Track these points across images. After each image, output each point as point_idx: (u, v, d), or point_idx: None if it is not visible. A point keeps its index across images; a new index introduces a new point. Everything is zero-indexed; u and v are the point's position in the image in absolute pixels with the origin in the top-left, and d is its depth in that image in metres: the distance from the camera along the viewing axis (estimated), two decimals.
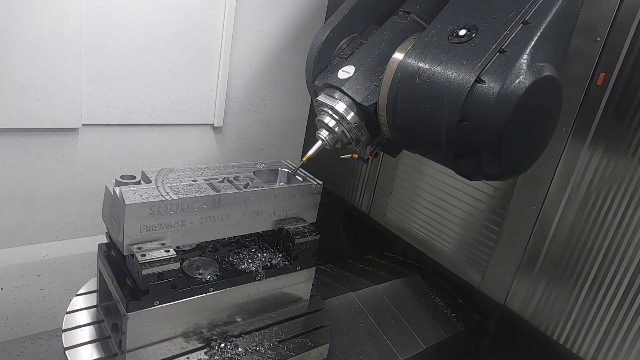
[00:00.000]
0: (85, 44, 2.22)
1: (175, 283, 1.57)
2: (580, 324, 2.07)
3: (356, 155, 1.96)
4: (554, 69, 1.48)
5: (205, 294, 1.68)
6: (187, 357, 1.69)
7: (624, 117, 1.85)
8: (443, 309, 2.65)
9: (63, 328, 1.70)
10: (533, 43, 1.42)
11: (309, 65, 1.92)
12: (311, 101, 3.12)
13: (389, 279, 2.71)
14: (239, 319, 1.84)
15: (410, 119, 1.59)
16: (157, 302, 1.56)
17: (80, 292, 1.91)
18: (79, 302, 1.87)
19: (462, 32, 1.54)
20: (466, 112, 1.42)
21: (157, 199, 1.52)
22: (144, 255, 1.49)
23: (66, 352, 1.62)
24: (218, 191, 1.67)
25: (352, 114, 1.76)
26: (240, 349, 1.77)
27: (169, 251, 1.53)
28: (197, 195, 1.61)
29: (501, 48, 1.44)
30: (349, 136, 1.81)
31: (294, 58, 2.98)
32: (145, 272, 1.47)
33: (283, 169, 2.04)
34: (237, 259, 1.87)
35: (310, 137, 3.31)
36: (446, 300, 2.70)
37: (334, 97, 1.77)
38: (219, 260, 1.85)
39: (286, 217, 1.90)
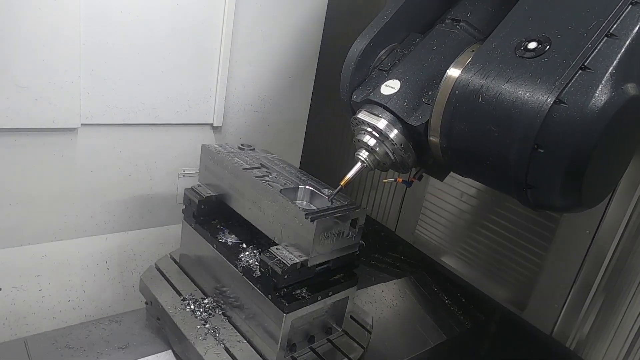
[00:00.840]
0: (84, 44, 2.12)
1: (196, 216, 2.02)
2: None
3: (400, 180, 1.74)
4: (638, 87, 1.26)
5: (204, 242, 1.99)
6: (192, 294, 2.01)
7: None
8: (450, 306, 2.60)
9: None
10: (619, 58, 1.21)
11: (346, 78, 1.68)
12: (311, 103, 3.10)
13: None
14: (227, 299, 1.93)
15: (469, 143, 1.37)
16: (192, 223, 2.04)
17: None
18: None
19: (532, 45, 1.32)
20: (543, 137, 1.20)
21: (216, 151, 2.01)
22: (198, 186, 2.07)
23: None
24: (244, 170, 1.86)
25: (396, 132, 1.54)
26: (217, 313, 1.92)
27: (208, 193, 2.02)
28: (230, 162, 1.91)
29: (583, 64, 1.21)
30: (393, 158, 1.59)
31: (294, 58, 2.93)
32: (184, 191, 2.06)
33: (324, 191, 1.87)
34: (255, 248, 1.90)
35: (309, 138, 3.29)
36: (453, 298, 2.63)
37: (378, 116, 1.55)
38: (256, 242, 1.94)
39: (281, 235, 1.68)
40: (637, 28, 1.24)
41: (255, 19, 2.59)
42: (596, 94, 1.18)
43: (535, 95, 1.23)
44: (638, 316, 1.85)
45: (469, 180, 2.17)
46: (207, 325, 1.83)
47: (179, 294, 1.97)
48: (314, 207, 1.75)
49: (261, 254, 1.65)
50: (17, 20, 1.87)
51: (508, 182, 1.36)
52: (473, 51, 1.47)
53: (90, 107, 2.20)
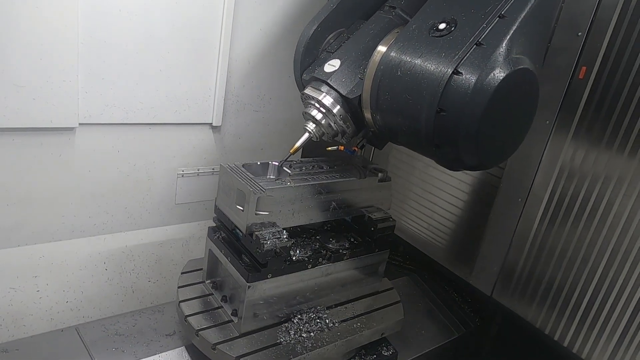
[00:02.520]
0: (82, 42, 2.23)
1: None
2: (569, 318, 2.15)
3: (342, 148, 2.04)
4: (530, 61, 1.58)
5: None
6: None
7: (605, 109, 1.96)
8: (461, 303, 2.80)
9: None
10: (509, 36, 1.52)
11: (297, 59, 2.02)
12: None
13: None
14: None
15: (392, 111, 1.69)
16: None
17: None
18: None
19: (442, 25, 1.63)
20: (444, 102, 1.52)
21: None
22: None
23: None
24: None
25: (337, 106, 1.85)
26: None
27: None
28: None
29: (478, 41, 1.53)
30: (334, 128, 1.90)
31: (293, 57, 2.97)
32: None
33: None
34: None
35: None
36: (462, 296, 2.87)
37: (320, 90, 1.87)
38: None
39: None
40: (525, 11, 1.56)
41: (255, 17, 2.71)
42: (486, 66, 1.49)
43: (439, 68, 1.55)
44: (569, 279, 2.13)
45: (424, 158, 2.55)
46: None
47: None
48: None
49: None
50: (14, 19, 2.01)
51: (423, 144, 1.66)
52: (397, 32, 1.81)
53: (88, 106, 2.30)
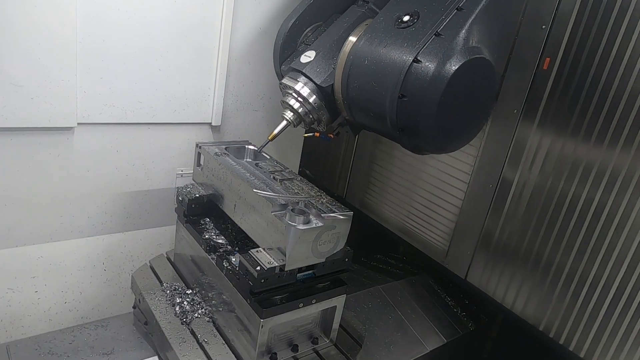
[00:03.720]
0: (80, 42, 2.30)
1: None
2: (532, 297, 2.28)
3: (318, 134, 2.20)
4: (488, 51, 1.75)
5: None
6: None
7: (568, 98, 2.08)
8: (453, 307, 2.91)
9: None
10: (466, 27, 1.67)
11: (276, 52, 2.21)
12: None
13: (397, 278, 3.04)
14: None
15: (361, 98, 1.85)
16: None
17: None
18: None
19: (406, 18, 1.79)
20: (405, 89, 1.68)
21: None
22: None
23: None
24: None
25: (313, 95, 2.00)
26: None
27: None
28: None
29: (437, 32, 1.69)
30: (310, 116, 2.05)
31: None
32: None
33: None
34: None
35: (310, 137, 3.33)
36: (456, 300, 2.98)
37: (297, 80, 2.03)
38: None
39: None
40: (481, 4, 1.69)
41: (254, 17, 2.67)
42: (444, 54, 1.64)
43: (401, 57, 1.70)
44: (541, 262, 2.23)
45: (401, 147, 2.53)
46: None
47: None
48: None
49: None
50: (12, 18, 2.06)
51: (389, 128, 1.78)
52: (367, 24, 1.95)
53: (87, 106, 2.37)
